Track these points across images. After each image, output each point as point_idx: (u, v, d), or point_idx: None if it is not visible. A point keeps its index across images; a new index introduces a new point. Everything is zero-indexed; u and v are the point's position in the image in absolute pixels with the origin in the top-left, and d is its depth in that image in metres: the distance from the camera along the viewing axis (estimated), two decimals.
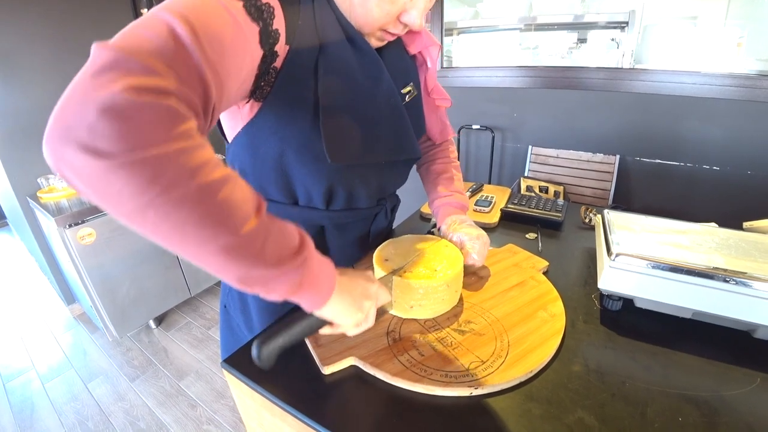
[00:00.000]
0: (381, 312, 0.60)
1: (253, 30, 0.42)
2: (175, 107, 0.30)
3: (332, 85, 0.53)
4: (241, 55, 0.40)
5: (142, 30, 0.32)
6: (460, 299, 0.65)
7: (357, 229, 0.75)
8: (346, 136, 0.56)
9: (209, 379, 1.81)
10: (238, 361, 0.56)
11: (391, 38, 0.58)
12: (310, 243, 0.41)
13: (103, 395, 1.75)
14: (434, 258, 0.63)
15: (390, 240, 0.68)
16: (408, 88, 0.67)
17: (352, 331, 0.50)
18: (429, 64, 0.71)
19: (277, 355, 0.45)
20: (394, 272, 0.59)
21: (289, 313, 0.63)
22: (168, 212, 0.29)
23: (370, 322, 0.51)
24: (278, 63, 0.48)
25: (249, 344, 0.59)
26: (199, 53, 0.33)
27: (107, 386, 1.80)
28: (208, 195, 0.31)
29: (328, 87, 0.52)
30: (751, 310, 0.53)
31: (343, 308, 0.45)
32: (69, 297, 2.30)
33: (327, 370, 0.52)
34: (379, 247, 0.66)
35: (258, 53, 0.44)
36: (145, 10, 2.18)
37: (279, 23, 0.46)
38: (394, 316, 0.62)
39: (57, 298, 2.46)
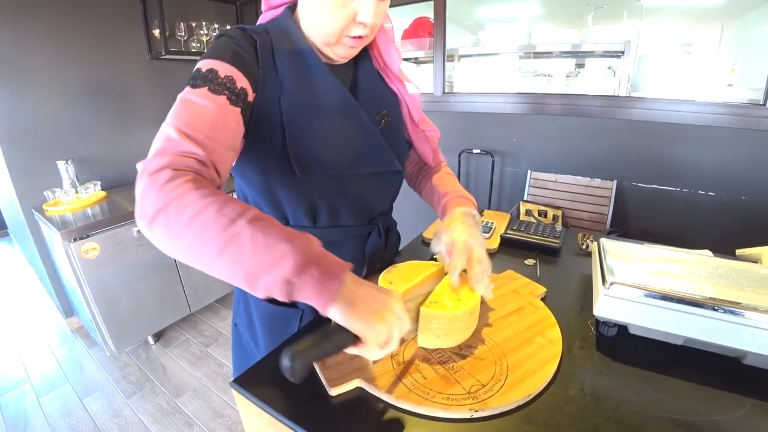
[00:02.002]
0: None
1: (222, 99, 0.55)
2: (166, 178, 0.45)
3: (293, 111, 0.63)
4: (222, 120, 0.54)
5: (156, 142, 0.50)
6: None
7: (350, 248, 0.78)
8: (309, 154, 0.63)
9: (207, 397, 1.80)
10: (248, 381, 0.58)
11: (356, 44, 0.64)
12: (315, 239, 0.47)
13: (98, 411, 1.74)
14: (451, 288, 0.62)
15: (393, 265, 0.71)
16: (382, 114, 0.75)
17: (375, 353, 0.47)
18: (406, 97, 0.78)
19: (308, 367, 0.44)
20: (418, 304, 0.59)
21: (316, 327, 0.60)
22: (179, 236, 0.44)
23: (394, 343, 0.48)
24: (252, 106, 0.61)
25: (258, 364, 0.62)
26: (185, 142, 0.49)
27: (103, 402, 1.79)
28: (196, 221, 0.43)
29: (290, 114, 0.62)
30: (740, 338, 0.56)
31: (360, 314, 0.44)
32: (68, 310, 2.30)
33: (334, 392, 0.54)
34: (384, 272, 0.69)
35: (236, 110, 0.56)
36: (157, 31, 2.25)
37: (242, 83, 0.58)
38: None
39: (55, 311, 2.45)
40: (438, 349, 0.62)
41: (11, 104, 1.90)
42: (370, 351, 0.47)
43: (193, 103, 0.53)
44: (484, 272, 0.62)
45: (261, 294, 0.44)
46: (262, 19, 0.71)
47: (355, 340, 0.46)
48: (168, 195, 0.44)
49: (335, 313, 0.44)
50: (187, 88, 0.55)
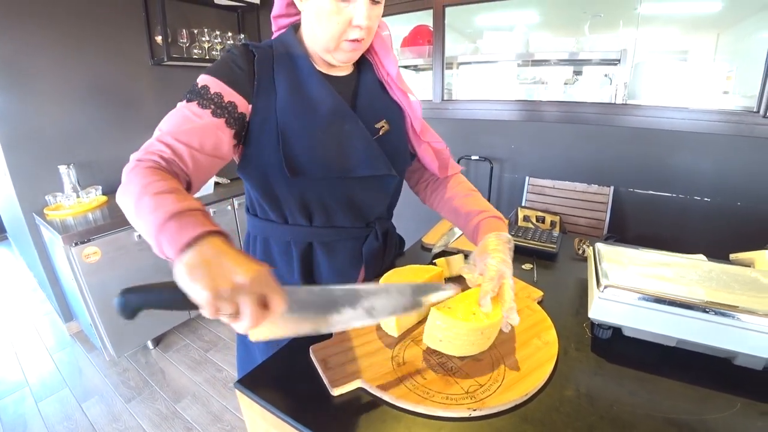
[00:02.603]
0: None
1: (207, 112, 0.64)
2: (132, 166, 0.56)
3: (287, 117, 0.68)
4: (201, 129, 0.62)
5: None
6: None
7: (347, 249, 0.81)
8: (300, 156, 0.68)
9: (206, 402, 1.80)
10: (252, 382, 0.59)
11: (354, 47, 0.68)
12: (202, 210, 0.50)
13: (97, 416, 1.73)
14: (476, 302, 0.61)
15: (394, 269, 0.73)
16: (381, 123, 0.78)
17: (210, 316, 0.43)
18: (407, 108, 0.80)
19: (138, 308, 0.43)
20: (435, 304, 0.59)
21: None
22: (125, 206, 0.54)
23: (247, 318, 0.42)
24: (248, 117, 0.68)
25: (261, 366, 0.63)
26: (158, 143, 0.60)
27: (102, 406, 1.78)
28: (129, 193, 0.53)
29: (284, 119, 0.68)
30: (730, 339, 0.57)
31: (194, 274, 0.42)
32: (67, 314, 2.30)
33: (336, 392, 0.56)
34: (385, 275, 0.70)
35: (219, 122, 0.64)
36: (159, 38, 2.28)
37: (231, 98, 0.66)
38: (399, 342, 0.65)
39: (55, 315, 2.45)
40: (437, 351, 0.63)
41: (14, 108, 1.92)
42: (211, 315, 0.43)
43: (180, 114, 0.64)
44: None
45: (162, 254, 0.47)
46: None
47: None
48: (127, 177, 0.56)
49: (177, 268, 0.43)
50: (183, 101, 0.65)
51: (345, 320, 0.53)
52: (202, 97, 0.64)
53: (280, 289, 0.45)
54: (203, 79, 0.66)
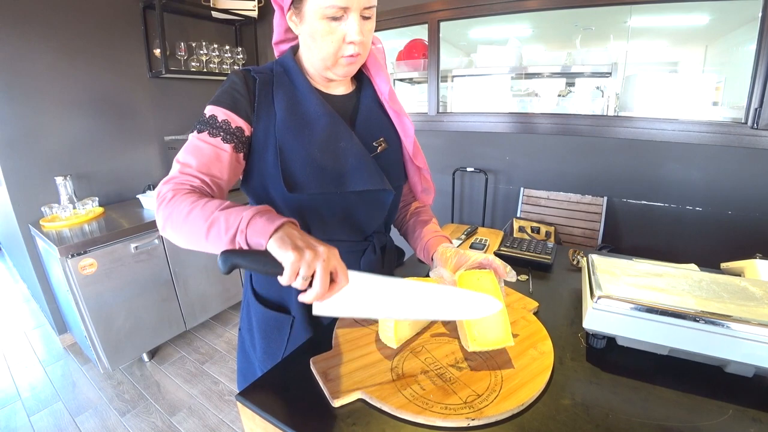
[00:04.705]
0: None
1: (217, 140, 0.69)
2: (170, 196, 0.63)
3: (285, 136, 0.72)
4: (215, 157, 0.69)
5: (170, 172, 0.68)
6: (457, 338, 0.70)
7: (345, 263, 0.81)
8: (297, 172, 0.72)
9: (202, 415, 1.79)
10: (253, 394, 0.60)
11: (351, 61, 0.71)
12: (269, 207, 0.60)
13: (91, 430, 1.71)
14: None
15: None
16: (379, 141, 0.81)
17: (288, 279, 0.52)
18: (399, 129, 0.83)
19: (234, 265, 0.53)
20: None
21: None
22: (181, 232, 0.62)
23: (318, 281, 0.52)
24: (249, 138, 0.74)
25: (261, 378, 0.64)
26: (187, 175, 0.66)
27: (96, 420, 1.77)
28: (188, 219, 0.60)
29: (282, 137, 0.72)
30: (721, 347, 0.59)
31: (284, 246, 0.52)
32: (61, 326, 2.28)
33: (337, 403, 0.56)
34: None
35: (228, 147, 0.70)
36: (158, 50, 2.31)
37: (237, 123, 0.71)
38: (398, 353, 0.67)
39: (48, 327, 2.43)
40: (435, 362, 0.64)
41: (10, 119, 1.93)
42: (290, 278, 0.52)
43: (195, 146, 0.69)
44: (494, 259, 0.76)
45: (242, 245, 0.56)
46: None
47: (281, 269, 0.52)
48: (170, 207, 0.62)
49: (270, 245, 0.53)
50: (195, 132, 0.70)
51: (395, 313, 0.61)
52: (211, 126, 0.70)
53: (345, 268, 0.56)
54: (210, 109, 0.71)
